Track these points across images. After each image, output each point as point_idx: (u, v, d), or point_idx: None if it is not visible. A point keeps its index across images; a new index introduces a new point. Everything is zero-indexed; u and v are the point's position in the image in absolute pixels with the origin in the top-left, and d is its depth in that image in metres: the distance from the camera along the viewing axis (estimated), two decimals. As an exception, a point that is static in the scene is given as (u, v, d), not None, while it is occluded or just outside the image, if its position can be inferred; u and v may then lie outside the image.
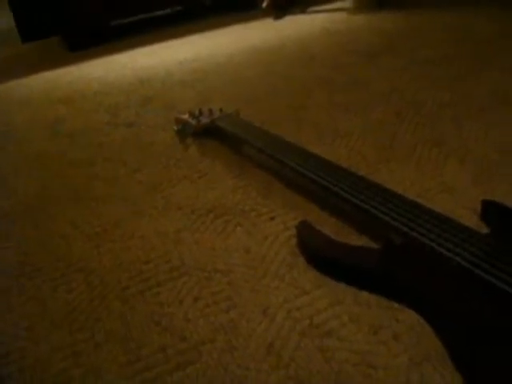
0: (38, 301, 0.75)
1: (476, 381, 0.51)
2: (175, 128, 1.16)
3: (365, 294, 0.66)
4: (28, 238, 0.90)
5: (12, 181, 1.12)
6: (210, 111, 1.16)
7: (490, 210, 0.75)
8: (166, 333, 0.66)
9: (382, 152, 0.98)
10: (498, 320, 0.55)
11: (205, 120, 1.13)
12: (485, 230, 0.72)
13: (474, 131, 1.01)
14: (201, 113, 1.17)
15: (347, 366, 0.57)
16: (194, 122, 1.14)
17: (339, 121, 1.14)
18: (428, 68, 1.39)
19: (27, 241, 0.89)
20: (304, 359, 0.59)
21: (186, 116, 1.17)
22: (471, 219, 0.76)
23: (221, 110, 1.16)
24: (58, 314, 0.71)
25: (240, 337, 0.63)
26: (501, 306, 0.56)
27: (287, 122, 1.17)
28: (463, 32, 1.69)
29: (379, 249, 0.69)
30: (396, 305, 0.63)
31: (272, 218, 0.83)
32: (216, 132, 1.12)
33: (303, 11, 2.37)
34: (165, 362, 0.62)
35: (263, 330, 0.63)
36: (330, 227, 0.78)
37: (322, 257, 0.70)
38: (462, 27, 1.74)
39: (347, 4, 2.30)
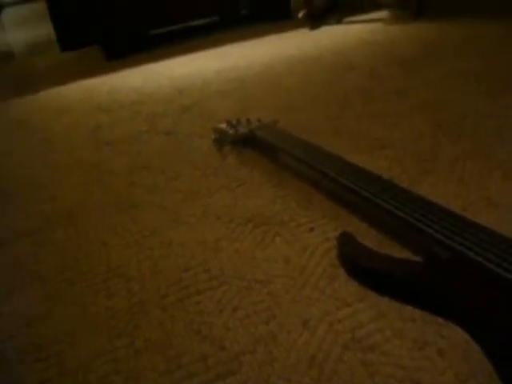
0: (78, 306, 0.75)
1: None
2: (213, 137, 1.17)
3: (409, 309, 0.64)
4: (70, 244, 0.91)
5: (53, 187, 1.14)
6: (248, 121, 1.16)
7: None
8: (206, 342, 0.65)
9: (423, 164, 0.97)
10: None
11: (243, 129, 1.14)
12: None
13: (519, 143, 0.99)
14: (238, 122, 1.17)
15: (392, 382, 0.56)
16: (231, 131, 1.14)
17: (378, 131, 1.13)
18: (468, 79, 1.37)
19: (69, 247, 0.90)
20: (347, 373, 0.58)
21: (223, 125, 1.18)
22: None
23: (259, 119, 1.16)
24: (99, 320, 0.72)
25: (281, 348, 0.62)
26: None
27: (326, 132, 1.17)
28: (502, 43, 1.66)
29: (424, 262, 0.68)
30: (441, 320, 0.62)
31: (312, 229, 0.83)
32: (254, 141, 1.12)
33: (339, 21, 2.36)
34: (205, 371, 0.61)
35: (304, 342, 0.62)
36: (371, 239, 0.77)
37: (363, 269, 0.69)
38: (501, 38, 1.71)
39: (383, 14, 2.29)
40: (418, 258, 0.71)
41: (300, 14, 2.36)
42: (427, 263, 0.67)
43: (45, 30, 3.00)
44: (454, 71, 1.44)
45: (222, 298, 0.72)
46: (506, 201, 0.82)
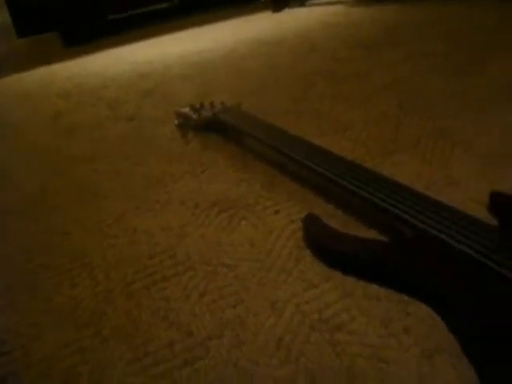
0: (42, 297, 0.73)
1: (489, 372, 0.50)
2: (176, 122, 1.15)
3: (374, 288, 0.65)
4: (30, 235, 0.88)
5: (12, 176, 1.11)
6: (211, 104, 1.15)
7: (499, 202, 0.74)
8: (173, 328, 0.65)
9: (386, 144, 0.97)
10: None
11: (206, 113, 1.12)
12: (493, 222, 0.72)
13: (480, 123, 1.00)
14: (202, 106, 1.16)
15: (359, 360, 0.56)
16: (195, 115, 1.13)
17: (342, 113, 1.13)
18: (430, 60, 1.38)
19: (30, 237, 0.88)
20: (314, 353, 0.58)
21: (186, 109, 1.16)
22: (480, 212, 0.75)
23: (222, 103, 1.15)
24: (64, 310, 0.70)
25: (248, 332, 0.62)
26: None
27: (289, 114, 1.16)
28: (464, 23, 1.68)
29: (389, 241, 0.68)
30: (406, 298, 0.62)
31: (277, 212, 0.82)
32: (218, 125, 1.11)
33: (302, 4, 2.35)
34: (172, 357, 0.61)
35: (272, 325, 0.62)
36: (337, 221, 0.77)
37: (329, 250, 0.69)
38: (463, 18, 1.73)
39: (346, -3, 2.29)
40: (383, 238, 0.72)
41: (262, -3, 2.35)
42: (392, 243, 0.68)
43: (1, 16, 2.91)
44: (417, 53, 1.45)
45: (188, 283, 0.71)
46: (467, 178, 0.84)
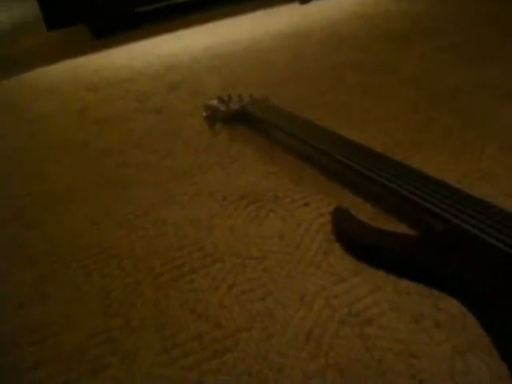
0: (72, 287, 0.74)
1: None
2: (204, 114, 1.15)
3: (404, 282, 0.64)
4: (60, 225, 0.90)
5: (42, 168, 1.12)
6: (240, 97, 1.15)
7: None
8: (202, 320, 0.65)
9: (416, 137, 0.96)
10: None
11: (234, 106, 1.12)
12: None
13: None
14: (230, 98, 1.16)
15: (389, 355, 0.56)
16: (223, 107, 1.13)
17: (370, 105, 1.12)
18: (461, 52, 1.36)
19: (59, 227, 0.89)
20: (344, 348, 0.57)
21: (214, 102, 1.16)
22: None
23: (250, 95, 1.14)
24: (93, 300, 0.71)
25: (277, 324, 0.62)
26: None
27: (317, 106, 1.15)
28: (495, 16, 1.64)
29: (419, 235, 0.67)
30: (437, 293, 0.61)
31: (306, 204, 0.82)
32: (246, 118, 1.11)
33: (329, -5, 2.32)
34: (201, 349, 0.61)
35: (301, 318, 0.62)
36: (366, 214, 0.76)
37: (358, 243, 0.69)
38: (493, 11, 1.69)
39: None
40: (413, 232, 0.71)
41: (289, -12, 2.32)
42: (423, 237, 0.67)
43: (31, 9, 2.95)
44: (447, 44, 1.43)
45: (216, 275, 0.71)
46: (499, 172, 0.82)
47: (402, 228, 0.73)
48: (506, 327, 0.53)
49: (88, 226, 0.88)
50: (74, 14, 2.11)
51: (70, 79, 1.74)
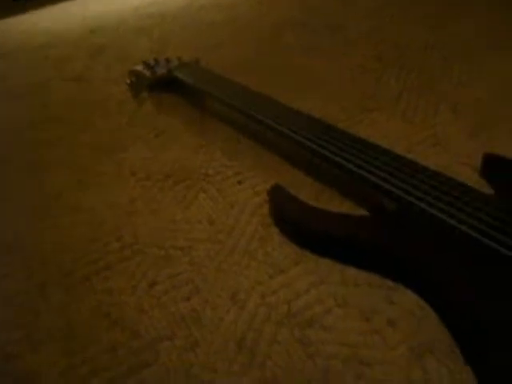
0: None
1: (492, 375, 0.41)
2: (128, 81, 1.02)
3: (352, 271, 0.55)
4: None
5: None
6: (167, 60, 1.02)
7: (493, 166, 0.64)
8: (116, 328, 0.54)
9: (363, 101, 0.86)
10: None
11: (161, 70, 0.99)
12: (486, 188, 0.62)
13: (466, 74, 0.90)
14: (157, 63, 1.03)
15: (335, 363, 0.47)
16: (148, 73, 1.00)
17: (314, 67, 1.01)
18: (408, 7, 1.26)
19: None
20: (282, 355, 0.48)
21: (139, 67, 1.03)
22: (470, 177, 0.66)
23: (179, 58, 1.02)
24: (-12, 308, 0.60)
25: (204, 330, 0.52)
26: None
27: (255, 70, 1.03)
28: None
29: (368, 216, 0.58)
30: (390, 283, 0.53)
31: (239, 182, 0.72)
32: (174, 84, 0.98)
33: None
34: (115, 364, 0.51)
35: (232, 321, 0.53)
36: (308, 191, 0.67)
37: (299, 227, 0.59)
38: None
39: None
40: (362, 211, 0.62)
41: None
42: (372, 217, 0.58)
43: None
44: (393, 0, 1.33)
45: (135, 271, 0.61)
46: (454, 138, 0.74)
47: (348, 206, 0.64)
48: (472, 322, 0.44)
49: (-11, 216, 0.75)
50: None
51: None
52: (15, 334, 0.56)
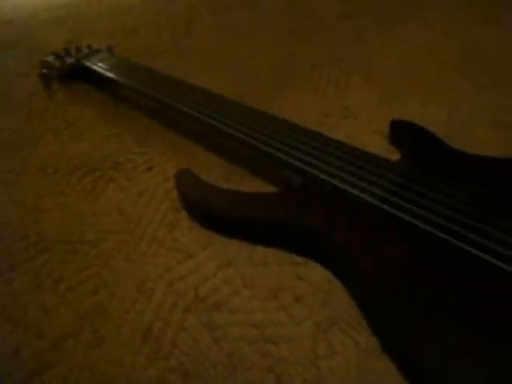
0: None
1: (397, 343, 0.41)
2: (38, 73, 0.98)
3: (261, 250, 0.54)
4: None
5: None
6: (78, 49, 0.98)
7: (400, 132, 0.64)
8: (19, 330, 0.52)
9: (277, 77, 0.85)
10: (418, 265, 0.44)
11: (70, 60, 0.95)
12: (396, 155, 0.62)
13: (377, 44, 0.90)
14: (67, 52, 0.99)
15: (242, 345, 0.46)
16: (57, 63, 0.96)
17: (229, 46, 0.99)
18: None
19: None
20: (189, 343, 0.47)
21: (50, 58, 0.99)
22: (381, 144, 0.66)
23: (88, 46, 0.98)
24: None
25: (111, 324, 0.50)
26: (419, 248, 0.45)
27: (168, 53, 1.01)
28: None
29: (276, 193, 0.57)
30: (299, 259, 0.52)
31: (149, 169, 0.69)
32: (86, 73, 0.94)
33: None
34: (17, 368, 0.48)
35: (139, 312, 0.51)
36: (219, 172, 0.65)
37: (205, 209, 0.57)
38: None
39: None
40: (272, 189, 0.61)
41: None
42: (280, 193, 0.56)
43: None
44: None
45: (40, 270, 0.58)
46: (365, 107, 0.74)
47: (259, 185, 0.62)
48: (377, 291, 0.44)
49: None
50: None
51: None
52: None
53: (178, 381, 0.44)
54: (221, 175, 0.64)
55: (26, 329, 0.52)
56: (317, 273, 0.50)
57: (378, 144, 0.65)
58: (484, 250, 0.43)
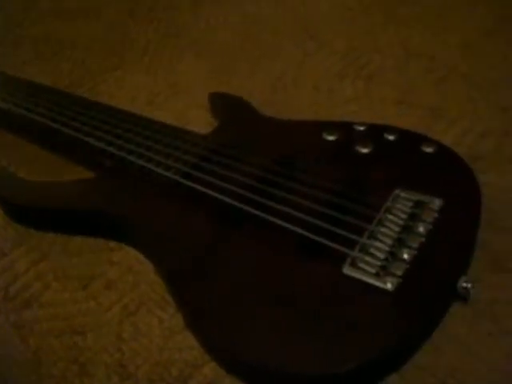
0: None
1: (200, 317, 0.41)
2: None
3: (77, 240, 0.53)
4: None
5: None
6: None
7: (218, 103, 0.65)
8: None
9: (109, 59, 0.83)
10: (222, 238, 0.45)
11: None
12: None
13: (214, 18, 0.89)
14: None
15: (49, 340, 0.44)
16: None
17: (63, 29, 0.95)
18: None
19: None
20: (-4, 346, 0.45)
21: None
22: (204, 118, 0.66)
23: None
24: None
25: None
26: (223, 221, 0.46)
27: (1, 45, 0.95)
28: None
29: (88, 180, 0.55)
30: (112, 244, 0.51)
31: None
32: None
33: None
34: None
35: None
36: (41, 164, 0.63)
37: (16, 205, 0.55)
38: None
39: None
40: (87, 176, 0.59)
41: None
42: (93, 180, 0.55)
43: None
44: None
45: None
46: (195, 83, 0.74)
47: (79, 173, 0.60)
48: (182, 267, 0.44)
49: None
50: None
51: None
52: None
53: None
54: (42, 168, 0.62)
55: None
56: (129, 255, 0.50)
57: (202, 118, 0.66)
58: (284, 219, 0.43)
